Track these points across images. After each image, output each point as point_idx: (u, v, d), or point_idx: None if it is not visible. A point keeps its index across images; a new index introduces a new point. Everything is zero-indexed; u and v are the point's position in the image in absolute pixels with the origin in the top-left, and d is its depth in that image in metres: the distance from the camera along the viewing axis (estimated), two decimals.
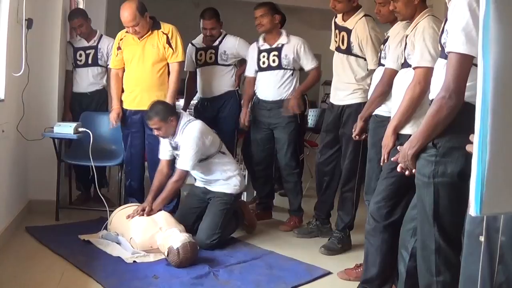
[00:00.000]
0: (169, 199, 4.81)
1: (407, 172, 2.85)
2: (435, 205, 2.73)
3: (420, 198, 2.83)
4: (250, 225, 5.21)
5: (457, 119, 2.57)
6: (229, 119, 5.79)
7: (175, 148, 4.74)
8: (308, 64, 5.35)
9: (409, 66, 3.40)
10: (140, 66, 5.12)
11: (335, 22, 4.77)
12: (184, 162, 4.64)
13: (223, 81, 5.76)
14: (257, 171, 5.73)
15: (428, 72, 3.10)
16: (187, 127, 4.68)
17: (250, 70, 5.55)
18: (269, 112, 5.42)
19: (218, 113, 5.79)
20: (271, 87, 5.41)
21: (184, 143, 4.65)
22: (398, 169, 2.89)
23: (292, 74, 5.37)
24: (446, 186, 2.69)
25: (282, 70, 5.34)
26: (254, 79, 5.50)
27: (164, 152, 4.85)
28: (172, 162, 4.82)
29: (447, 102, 2.52)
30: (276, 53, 5.35)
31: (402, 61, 3.56)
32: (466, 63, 2.49)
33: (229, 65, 5.76)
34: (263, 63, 5.40)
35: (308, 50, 5.33)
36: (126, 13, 4.91)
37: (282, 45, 5.34)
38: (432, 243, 2.78)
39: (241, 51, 5.76)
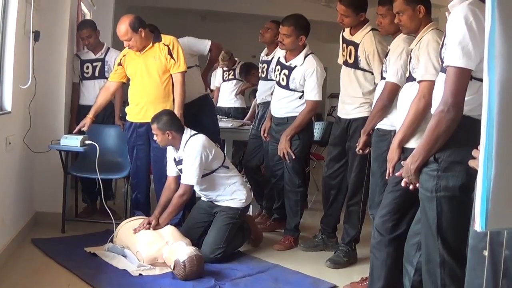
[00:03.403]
0: (175, 213, 4.80)
1: (411, 187, 2.89)
2: (438, 219, 2.77)
3: (423, 212, 2.86)
4: (256, 239, 5.19)
5: (458, 134, 2.61)
6: (209, 126, 5.60)
7: (179, 162, 4.73)
8: (308, 93, 5.09)
9: (414, 80, 3.40)
10: (144, 79, 5.14)
11: (342, 36, 4.76)
12: (189, 176, 4.64)
13: (191, 86, 5.42)
14: (273, 183, 5.66)
15: (432, 86, 3.06)
16: (189, 141, 4.69)
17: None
18: (277, 127, 5.31)
19: (194, 121, 5.34)
20: (279, 104, 5.28)
21: (187, 157, 4.65)
22: (403, 183, 2.93)
23: (300, 97, 5.14)
24: (448, 200, 2.73)
25: (289, 91, 5.16)
26: None
27: (171, 168, 4.85)
28: (179, 178, 4.78)
29: (445, 116, 2.57)
30: (286, 72, 5.16)
31: (407, 74, 3.56)
32: (463, 77, 2.54)
33: (189, 67, 5.41)
34: (276, 76, 5.29)
35: (315, 79, 5.04)
36: (119, 27, 5.00)
37: (295, 66, 5.11)
38: (437, 257, 2.81)
39: (193, 46, 5.68)
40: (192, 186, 4.69)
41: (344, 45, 4.71)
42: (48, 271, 4.23)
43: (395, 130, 3.67)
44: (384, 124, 3.93)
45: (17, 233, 4.68)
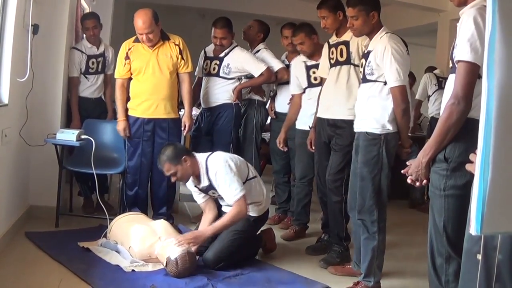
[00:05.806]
0: (223, 229, 4.42)
1: (417, 184, 2.98)
2: (445, 215, 2.89)
3: (432, 208, 2.98)
4: (269, 249, 4.94)
5: (468, 135, 2.71)
6: (223, 131, 5.75)
7: (209, 188, 4.51)
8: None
9: (370, 81, 3.86)
10: (156, 75, 5.17)
11: (328, 44, 4.78)
12: (233, 192, 4.33)
13: (221, 93, 5.72)
14: (277, 178, 6.10)
15: (404, 90, 3.76)
16: (209, 163, 4.45)
17: (295, 88, 5.50)
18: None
19: (213, 125, 5.78)
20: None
21: (218, 176, 4.37)
22: (409, 181, 3.01)
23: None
24: (455, 198, 2.85)
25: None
26: (300, 96, 5.42)
27: (199, 199, 4.66)
28: (212, 201, 4.66)
29: (456, 107, 2.71)
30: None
31: (361, 76, 4.00)
32: (472, 71, 2.67)
33: (230, 78, 5.70)
34: (315, 79, 5.26)
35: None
36: (141, 20, 4.97)
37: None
38: (443, 251, 2.92)
39: (247, 66, 5.72)
40: (243, 198, 4.35)
41: (332, 48, 4.69)
42: (41, 265, 4.22)
43: (385, 134, 3.86)
44: (374, 128, 3.93)
45: (11, 226, 4.68)
